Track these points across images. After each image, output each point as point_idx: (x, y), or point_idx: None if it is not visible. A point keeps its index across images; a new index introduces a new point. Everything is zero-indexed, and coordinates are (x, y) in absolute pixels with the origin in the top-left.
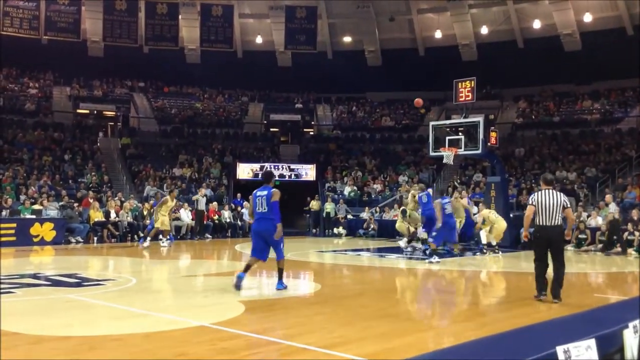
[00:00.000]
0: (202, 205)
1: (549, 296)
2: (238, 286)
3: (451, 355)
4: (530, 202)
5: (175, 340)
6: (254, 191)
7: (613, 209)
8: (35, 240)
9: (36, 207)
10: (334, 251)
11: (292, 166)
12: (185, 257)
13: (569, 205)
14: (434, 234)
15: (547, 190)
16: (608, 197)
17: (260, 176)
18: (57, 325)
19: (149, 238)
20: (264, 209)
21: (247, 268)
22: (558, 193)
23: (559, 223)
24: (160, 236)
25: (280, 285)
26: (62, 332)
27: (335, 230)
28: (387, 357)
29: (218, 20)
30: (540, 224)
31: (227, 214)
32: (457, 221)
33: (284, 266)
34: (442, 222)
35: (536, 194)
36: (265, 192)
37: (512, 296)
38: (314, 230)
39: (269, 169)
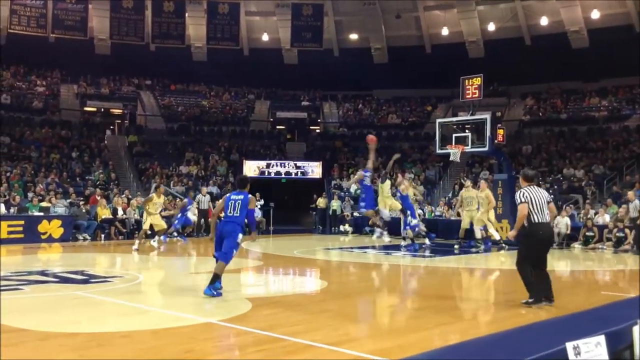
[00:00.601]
0: (205, 205)
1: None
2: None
3: (459, 351)
4: (523, 200)
5: (182, 337)
6: (227, 195)
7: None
8: (43, 237)
9: (44, 204)
10: (340, 249)
11: (299, 164)
12: (191, 254)
13: (551, 200)
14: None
15: (532, 187)
16: (630, 194)
17: (235, 181)
18: (65, 321)
19: (137, 241)
20: (237, 214)
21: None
22: (541, 188)
23: (548, 220)
24: (156, 237)
25: (208, 291)
26: (69, 328)
27: (342, 228)
28: (393, 354)
29: (224, 18)
30: (538, 221)
31: None
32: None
33: (222, 272)
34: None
35: (525, 190)
36: (241, 197)
37: (519, 294)
38: (320, 228)
39: (275, 167)
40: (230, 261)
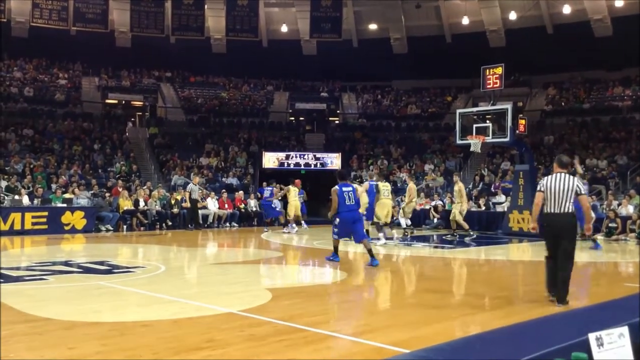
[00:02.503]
0: (195, 195)
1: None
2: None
3: (480, 341)
4: (539, 188)
5: (203, 327)
6: (339, 187)
7: None
8: (66, 228)
9: (67, 195)
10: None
11: (318, 155)
12: (212, 245)
13: (583, 192)
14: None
15: (559, 174)
16: None
17: (337, 175)
18: (88, 311)
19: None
20: (353, 202)
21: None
22: (571, 177)
23: (570, 211)
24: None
25: (375, 262)
26: (93, 317)
27: None
28: (414, 345)
29: (244, 9)
30: (548, 211)
31: (253, 203)
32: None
33: (369, 245)
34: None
35: (546, 178)
36: (350, 188)
37: (541, 285)
38: None
39: (294, 158)
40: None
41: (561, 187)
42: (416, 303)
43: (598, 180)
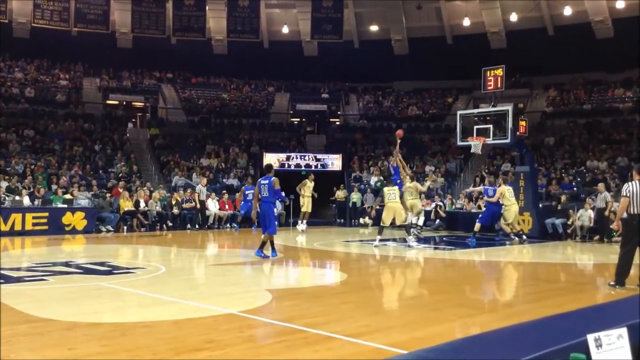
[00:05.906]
0: (203, 196)
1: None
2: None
3: (479, 342)
4: (624, 194)
5: (203, 328)
6: (259, 180)
7: None
8: (67, 229)
9: (68, 196)
10: (360, 241)
11: (319, 156)
12: (213, 246)
13: None
14: None
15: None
16: (601, 186)
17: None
18: (89, 312)
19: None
20: (266, 194)
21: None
22: None
23: None
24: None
25: (259, 252)
26: (93, 318)
27: (362, 220)
28: (414, 346)
29: (245, 10)
30: (634, 212)
31: None
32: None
33: (268, 240)
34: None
35: (630, 184)
36: (267, 181)
37: (541, 287)
38: (339, 220)
39: (295, 159)
40: (275, 231)
41: None
42: (416, 304)
43: (598, 181)
